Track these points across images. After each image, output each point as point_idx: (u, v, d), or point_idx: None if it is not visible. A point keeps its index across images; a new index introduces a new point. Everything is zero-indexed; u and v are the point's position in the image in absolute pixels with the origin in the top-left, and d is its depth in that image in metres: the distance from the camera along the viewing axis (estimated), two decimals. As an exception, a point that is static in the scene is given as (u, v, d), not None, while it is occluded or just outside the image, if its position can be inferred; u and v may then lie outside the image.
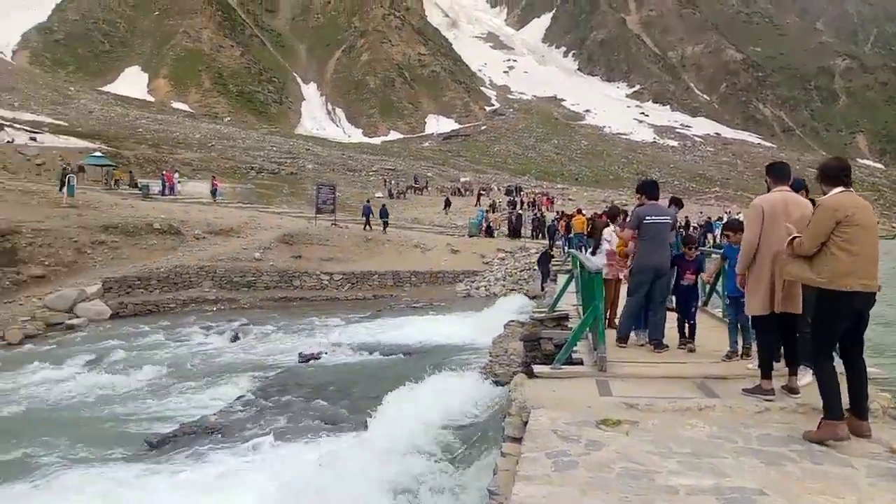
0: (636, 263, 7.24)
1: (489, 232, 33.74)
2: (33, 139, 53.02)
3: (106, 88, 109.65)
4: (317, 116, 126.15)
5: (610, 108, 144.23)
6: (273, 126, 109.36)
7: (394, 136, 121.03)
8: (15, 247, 22.12)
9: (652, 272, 7.07)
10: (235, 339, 17.86)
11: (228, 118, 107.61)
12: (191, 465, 8.92)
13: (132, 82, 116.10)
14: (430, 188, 61.60)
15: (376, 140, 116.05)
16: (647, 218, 7.04)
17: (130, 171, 45.82)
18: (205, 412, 11.31)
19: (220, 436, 9.98)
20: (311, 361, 14.96)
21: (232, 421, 10.74)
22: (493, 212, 42.40)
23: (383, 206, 32.97)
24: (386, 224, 31.19)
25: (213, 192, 38.82)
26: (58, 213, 25.56)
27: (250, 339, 17.83)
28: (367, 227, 30.45)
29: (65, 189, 28.31)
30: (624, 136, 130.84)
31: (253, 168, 60.22)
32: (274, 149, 76.11)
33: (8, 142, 49.30)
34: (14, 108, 75.64)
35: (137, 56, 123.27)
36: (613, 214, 9.14)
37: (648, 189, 7.33)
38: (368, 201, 33.30)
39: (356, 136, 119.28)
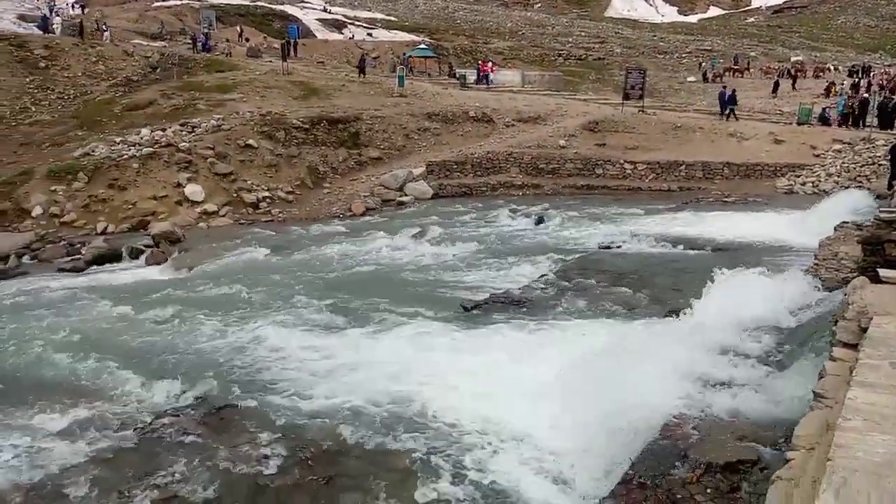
0: None
1: (826, 120, 29.08)
2: (369, 34, 59.46)
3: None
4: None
5: None
6: (583, 10, 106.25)
7: (713, 12, 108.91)
8: (358, 132, 25.64)
9: None
10: (539, 222, 18.60)
11: (539, 4, 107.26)
12: (498, 331, 9.78)
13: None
14: (752, 70, 54.95)
15: (692, 18, 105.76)
16: None
17: (450, 63, 49.00)
18: (511, 286, 12.19)
19: (524, 308, 10.70)
20: (612, 249, 14.97)
21: (535, 297, 11.41)
22: (828, 97, 36.49)
23: (733, 91, 30.29)
24: (732, 111, 28.80)
25: (486, 78, 39.10)
26: (391, 102, 28.64)
27: (553, 223, 18.39)
28: (724, 115, 28.85)
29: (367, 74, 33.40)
30: None
31: (560, 55, 59.96)
32: (582, 34, 74.41)
33: (349, 38, 56.06)
34: (354, 6, 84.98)
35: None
36: None
37: None
38: (724, 87, 32.49)
39: (670, 15, 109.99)
